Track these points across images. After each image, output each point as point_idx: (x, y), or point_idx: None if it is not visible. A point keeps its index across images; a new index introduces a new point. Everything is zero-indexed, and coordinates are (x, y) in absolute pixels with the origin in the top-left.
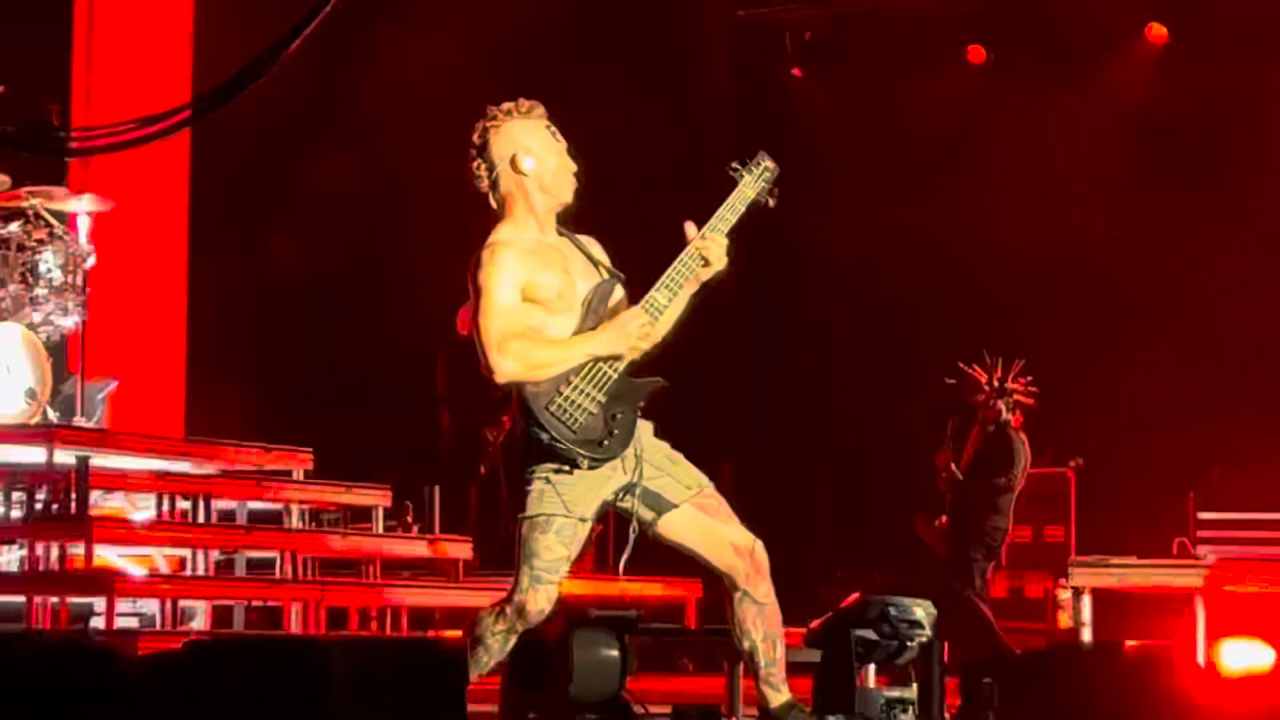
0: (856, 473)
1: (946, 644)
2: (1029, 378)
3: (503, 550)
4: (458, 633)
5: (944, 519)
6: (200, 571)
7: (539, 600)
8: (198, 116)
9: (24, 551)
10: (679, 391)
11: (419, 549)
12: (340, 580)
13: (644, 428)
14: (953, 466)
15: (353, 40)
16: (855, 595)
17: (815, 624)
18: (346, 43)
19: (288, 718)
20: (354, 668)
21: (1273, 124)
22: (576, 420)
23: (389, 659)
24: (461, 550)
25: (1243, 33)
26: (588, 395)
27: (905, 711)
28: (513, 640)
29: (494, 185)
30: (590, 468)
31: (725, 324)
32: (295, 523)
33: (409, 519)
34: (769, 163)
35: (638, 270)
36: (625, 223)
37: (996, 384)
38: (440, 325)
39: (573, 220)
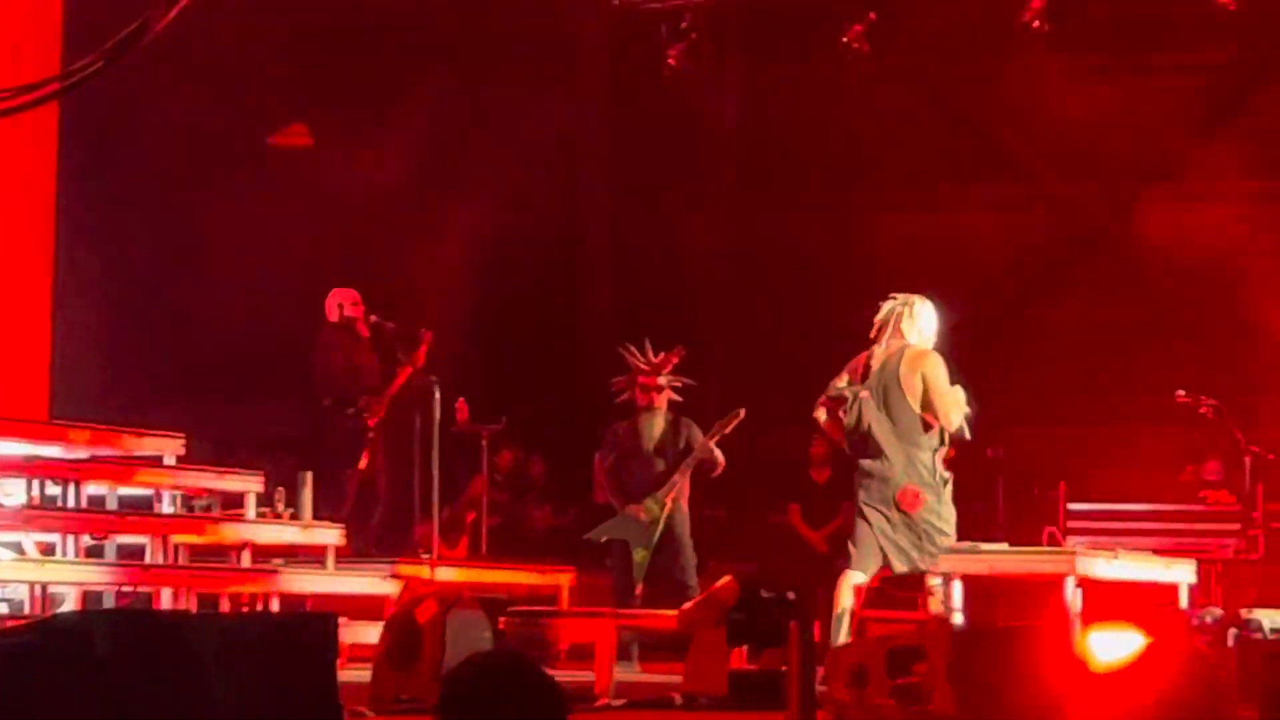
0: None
1: (816, 625)
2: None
3: (375, 540)
4: None
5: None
6: (70, 556)
7: None
8: (70, 87)
9: None
10: None
11: (291, 535)
12: (211, 566)
13: None
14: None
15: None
16: (728, 579)
17: (687, 606)
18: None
19: (159, 690)
20: (225, 641)
21: None
22: None
23: (259, 633)
24: (333, 537)
25: None
26: None
27: None
28: None
29: None
30: None
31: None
32: (166, 508)
33: (280, 506)
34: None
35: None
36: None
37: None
38: (316, 309)
39: None
